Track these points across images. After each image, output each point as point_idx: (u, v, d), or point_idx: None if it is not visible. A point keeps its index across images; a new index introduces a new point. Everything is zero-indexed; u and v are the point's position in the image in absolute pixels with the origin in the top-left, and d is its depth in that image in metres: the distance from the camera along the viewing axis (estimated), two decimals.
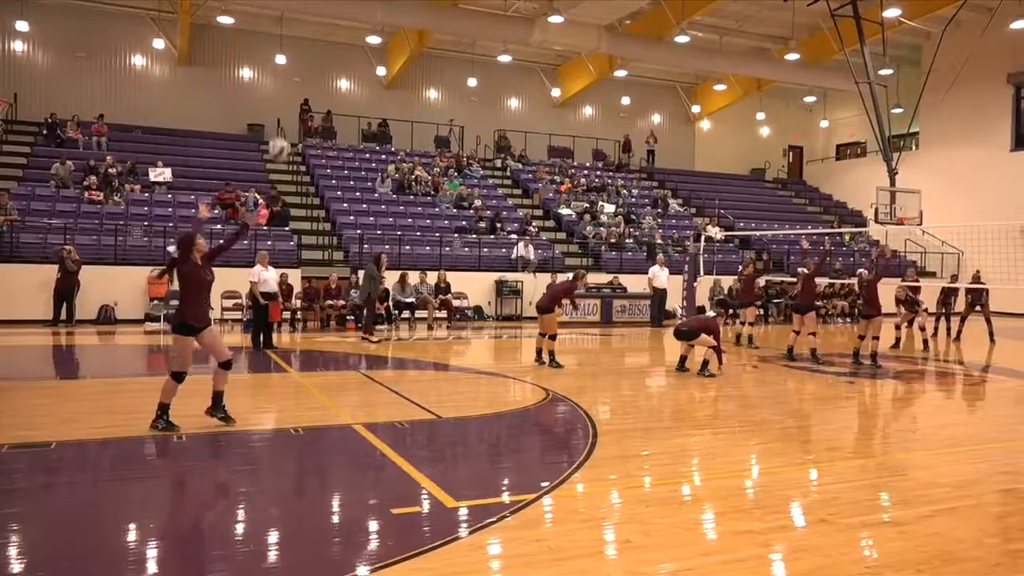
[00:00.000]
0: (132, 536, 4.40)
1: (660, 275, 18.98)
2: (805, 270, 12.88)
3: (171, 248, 5.95)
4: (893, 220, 24.26)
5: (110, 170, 20.06)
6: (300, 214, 21.53)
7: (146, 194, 20.01)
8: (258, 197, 20.29)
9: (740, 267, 16.29)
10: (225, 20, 23.62)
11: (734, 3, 24.52)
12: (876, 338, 11.97)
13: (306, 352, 13.42)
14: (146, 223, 18.20)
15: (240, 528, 4.59)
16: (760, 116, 32.83)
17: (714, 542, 4.46)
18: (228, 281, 16.90)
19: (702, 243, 19.73)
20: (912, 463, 6.40)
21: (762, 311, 21.65)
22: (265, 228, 19.24)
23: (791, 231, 25.91)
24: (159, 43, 24.50)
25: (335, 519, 4.83)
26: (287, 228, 19.80)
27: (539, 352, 11.54)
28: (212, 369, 7.19)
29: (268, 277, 12.98)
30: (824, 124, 34.44)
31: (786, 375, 11.31)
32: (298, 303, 17.07)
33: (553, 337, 11.38)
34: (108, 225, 17.67)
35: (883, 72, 26.46)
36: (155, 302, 16.52)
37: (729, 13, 25.87)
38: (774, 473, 5.94)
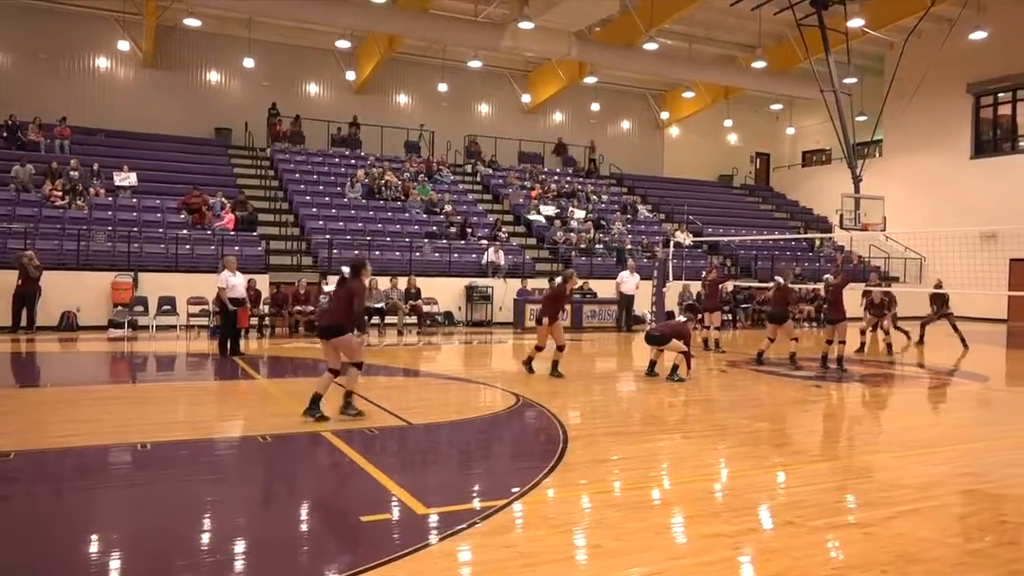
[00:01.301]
0: (94, 548, 4.31)
1: (628, 281, 19.08)
2: (781, 279, 12.93)
3: (346, 268, 7.63)
4: (857, 226, 24.65)
5: (72, 173, 19.70)
6: (268, 219, 21.32)
7: (110, 198, 19.67)
8: (225, 202, 20.06)
9: (704, 273, 16.42)
10: (192, 23, 23.33)
11: (702, 12, 24.79)
12: (843, 342, 12.15)
13: (274, 358, 13.29)
14: (110, 228, 17.89)
15: (206, 538, 4.52)
16: (728, 123, 33.22)
17: (683, 545, 4.48)
18: (195, 287, 16.76)
19: (671, 249, 19.89)
20: (877, 465, 6.49)
21: (730, 316, 21.90)
22: (233, 233, 19.02)
23: (759, 236, 26.23)
24: (124, 45, 24.13)
25: (303, 527, 4.78)
26: (255, 233, 19.60)
27: (530, 361, 11.03)
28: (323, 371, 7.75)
29: (236, 283, 12.82)
30: (790, 131, 34.94)
31: (754, 379, 11.43)
32: (266, 309, 16.89)
33: (561, 348, 10.88)
34: (71, 230, 17.34)
35: (847, 81, 26.90)
36: (119, 308, 16.24)
37: (697, 21, 26.15)
38: (742, 476, 6.00)
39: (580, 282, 20.82)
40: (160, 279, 16.95)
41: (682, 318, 11.66)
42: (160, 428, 7.21)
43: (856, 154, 26.75)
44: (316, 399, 7.48)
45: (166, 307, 16.61)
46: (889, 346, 15.30)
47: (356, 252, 16.35)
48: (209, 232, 18.78)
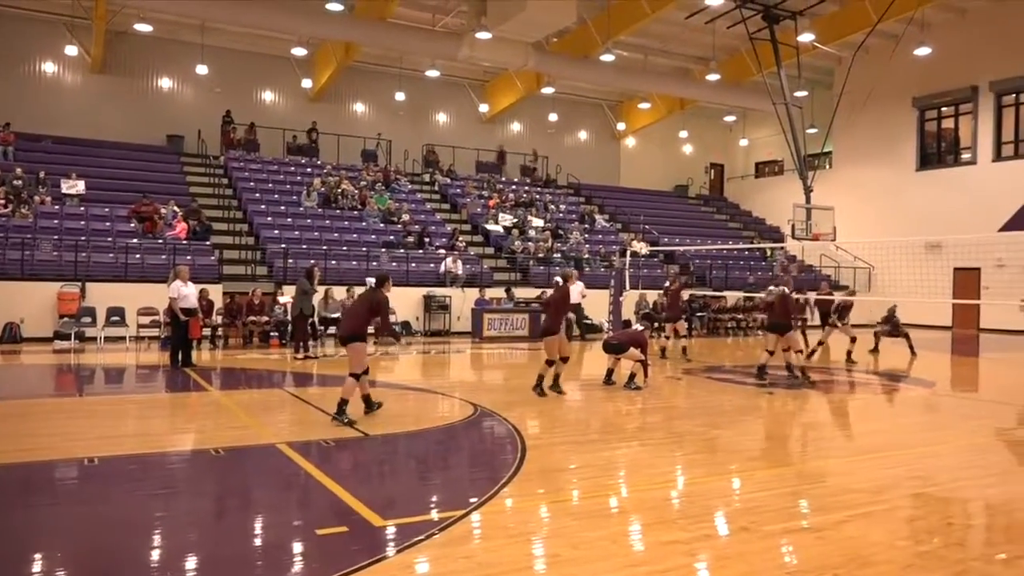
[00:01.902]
0: (38, 568, 4.17)
1: (572, 290, 19.10)
2: (785, 288, 12.28)
3: (371, 280, 8.54)
4: (809, 236, 25.19)
5: (16, 181, 19.14)
6: (222, 228, 20.96)
7: (56, 206, 19.15)
8: (177, 210, 19.68)
9: (667, 282, 16.53)
10: (143, 28, 22.90)
11: (657, 25, 25.14)
12: (787, 351, 12.33)
13: (227, 370, 13.04)
14: (56, 236, 17.41)
15: (156, 555, 4.40)
16: (683, 134, 33.71)
17: (641, 553, 4.50)
18: (145, 297, 16.37)
19: (628, 258, 20.06)
20: (829, 470, 6.62)
21: (686, 324, 22.15)
22: (185, 242, 18.67)
23: (713, 246, 26.62)
24: (72, 50, 23.54)
25: (257, 542, 4.69)
26: (208, 242, 19.25)
27: (540, 380, 10.04)
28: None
29: (188, 293, 12.57)
30: (743, 143, 35.59)
31: (709, 387, 11.57)
32: (219, 319, 16.59)
33: (565, 359, 10.19)
34: (15, 238, 16.83)
35: (798, 94, 27.55)
36: (65, 319, 15.79)
37: (652, 34, 26.52)
38: (698, 483, 6.05)
39: (539, 291, 20.88)
40: (109, 289, 16.53)
41: (639, 326, 11.61)
42: (108, 442, 7.02)
43: (807, 165, 27.38)
44: (343, 404, 7.94)
45: (115, 318, 16.20)
46: (849, 353, 15.25)
47: (312, 262, 16.13)
48: (160, 241, 18.40)
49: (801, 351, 12.21)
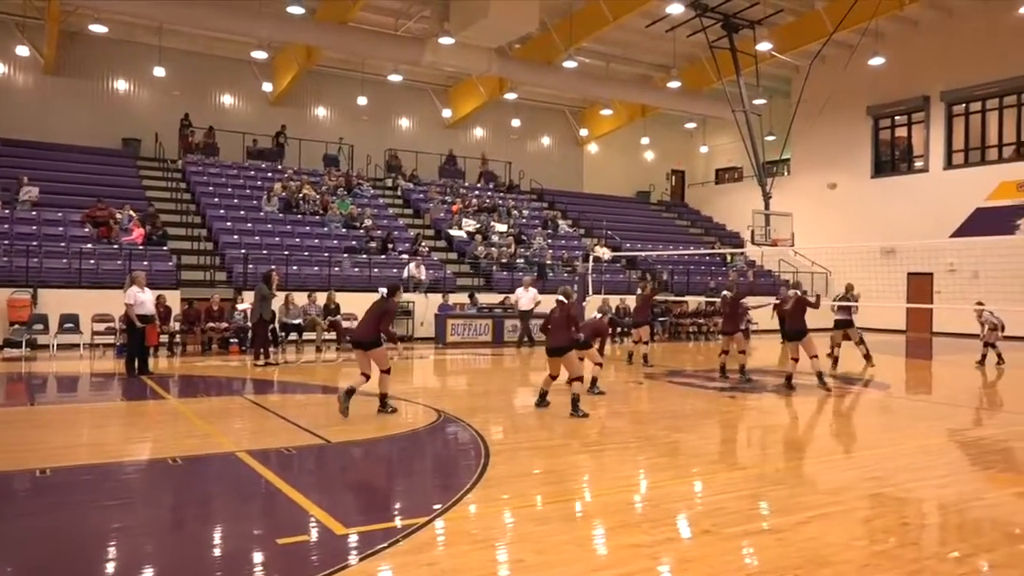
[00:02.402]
0: None
1: (524, 297, 19.17)
2: (797, 291, 11.96)
3: (383, 289, 9.19)
4: (768, 241, 25.63)
5: None
6: (180, 233, 20.59)
7: (7, 211, 18.65)
8: (133, 215, 19.30)
9: (639, 288, 16.54)
10: (98, 29, 22.43)
11: (619, 32, 25.38)
12: (743, 352, 12.65)
13: (186, 377, 12.81)
14: (7, 241, 16.95)
15: (111, 567, 4.30)
16: (645, 141, 34.04)
17: (605, 557, 4.52)
18: (100, 303, 16.02)
19: (590, 263, 20.17)
20: (788, 472, 6.72)
21: (651, 329, 22.34)
22: (141, 248, 18.31)
23: (675, 251, 26.90)
24: (23, 50, 22.98)
25: (216, 552, 4.60)
26: (165, 248, 18.90)
27: (544, 395, 9.51)
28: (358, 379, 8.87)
29: (144, 299, 12.32)
30: (704, 150, 36.05)
31: (671, 391, 11.67)
32: (177, 326, 16.30)
33: (581, 379, 9.37)
34: None
35: (757, 102, 28.04)
36: (15, 326, 15.37)
37: (614, 41, 26.76)
38: (661, 487, 6.10)
39: (500, 297, 20.90)
40: (62, 296, 16.13)
41: (598, 314, 11.18)
42: (61, 452, 6.84)
43: (766, 172, 27.86)
44: (351, 391, 8.64)
45: (68, 325, 15.82)
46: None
47: (272, 267, 15.93)
48: (116, 247, 18.02)
49: (820, 357, 11.59)
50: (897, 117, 28.43)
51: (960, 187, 25.43)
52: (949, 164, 26.69)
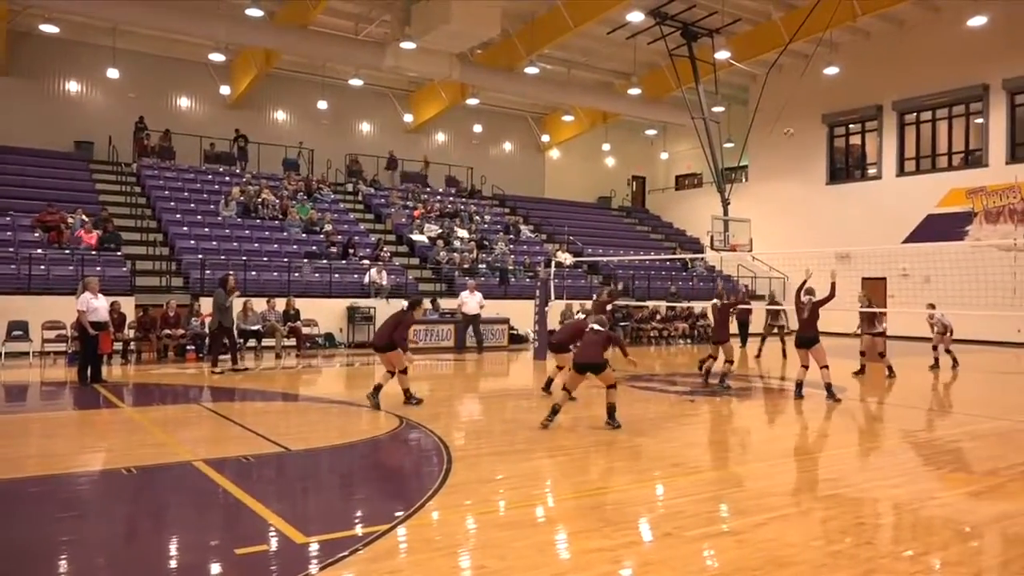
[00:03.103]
0: None
1: (469, 300, 19.07)
2: (812, 297, 11.49)
3: (405, 303, 10.71)
4: (727, 247, 26.00)
5: None
6: (134, 238, 20.17)
7: None
8: (85, 219, 18.85)
9: (595, 295, 16.46)
10: (49, 29, 21.90)
11: (580, 39, 25.57)
12: (730, 362, 12.61)
13: (141, 385, 12.54)
14: None
15: None
16: (606, 147, 34.30)
17: (567, 561, 4.52)
18: (51, 310, 15.62)
19: (553, 268, 20.23)
20: (747, 475, 6.80)
21: None
22: (95, 253, 17.90)
23: (636, 257, 27.14)
24: None
25: (172, 564, 4.50)
26: (120, 253, 18.49)
27: (555, 412, 8.69)
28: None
29: (98, 305, 12.02)
30: (664, 156, 36.45)
31: (632, 396, 11.74)
32: (132, 333, 15.95)
33: (614, 386, 8.83)
34: None
35: (716, 109, 28.47)
36: None
37: (576, 48, 26.95)
38: (623, 491, 6.13)
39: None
40: (10, 302, 15.67)
41: (581, 315, 10.88)
42: (8, 464, 6.64)
43: (724, 179, 28.29)
44: (378, 388, 9.89)
45: (17, 332, 15.39)
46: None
47: (230, 273, 15.66)
48: (68, 252, 17.58)
49: (827, 366, 11.16)
50: (851, 125, 29.07)
51: (912, 194, 26.08)
52: (901, 171, 27.36)
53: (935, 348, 15.89)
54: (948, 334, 15.89)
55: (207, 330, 15.17)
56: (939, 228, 24.52)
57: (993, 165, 24.60)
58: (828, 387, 10.99)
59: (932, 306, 16.28)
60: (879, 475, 6.82)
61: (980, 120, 25.25)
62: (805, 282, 11.71)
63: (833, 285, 11.35)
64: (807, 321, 11.19)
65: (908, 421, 9.95)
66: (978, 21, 22.06)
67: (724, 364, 12.53)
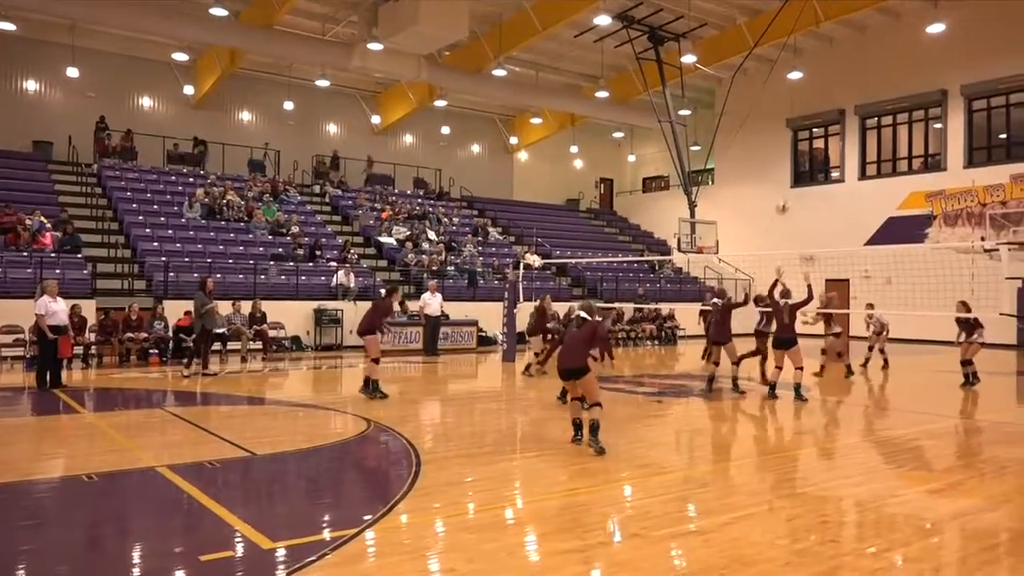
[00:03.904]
0: None
1: (432, 302, 18.93)
2: (788, 301, 11.45)
3: (383, 291, 11.60)
4: (693, 249, 26.23)
5: None
6: (95, 240, 19.79)
7: None
8: (43, 221, 18.44)
9: (538, 300, 15.52)
10: (5, 26, 21.37)
11: (548, 42, 25.64)
12: (716, 364, 12.11)
13: (102, 390, 12.30)
14: None
15: None
16: (574, 149, 34.43)
17: (536, 563, 4.53)
18: (8, 314, 15.26)
19: (521, 270, 20.25)
20: (714, 474, 6.87)
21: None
22: (54, 255, 17.52)
23: (604, 259, 27.27)
24: None
25: (135, 571, 4.42)
26: (80, 255, 18.13)
27: (578, 427, 7.95)
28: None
29: (56, 309, 11.77)
30: (631, 159, 36.70)
31: (601, 397, 11.76)
32: (92, 337, 15.64)
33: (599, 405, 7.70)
34: None
35: (682, 112, 28.70)
36: None
37: (543, 51, 27.02)
38: (592, 492, 6.15)
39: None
40: None
41: (599, 317, 8.58)
42: None
43: (691, 181, 28.54)
44: (367, 381, 10.67)
45: None
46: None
47: (196, 275, 15.43)
48: (25, 254, 17.19)
49: (802, 367, 11.24)
50: (815, 129, 29.51)
51: (873, 197, 26.55)
52: (863, 175, 27.84)
53: (870, 348, 16.15)
54: (884, 333, 16.10)
55: (182, 334, 14.97)
56: (900, 230, 24.99)
57: (951, 169, 25.14)
58: (797, 388, 11.15)
59: (871, 306, 16.58)
60: (842, 473, 6.93)
61: (939, 125, 25.80)
62: (777, 282, 11.81)
63: (809, 287, 11.51)
64: (785, 324, 11.23)
65: (868, 420, 10.13)
66: (937, 28, 22.54)
67: (711, 366, 12.25)
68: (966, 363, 13.07)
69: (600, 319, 8.01)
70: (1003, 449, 7.90)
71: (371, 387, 10.73)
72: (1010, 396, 13.03)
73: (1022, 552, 4.77)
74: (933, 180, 25.46)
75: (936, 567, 4.48)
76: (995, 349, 19.07)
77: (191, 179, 24.36)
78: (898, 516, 5.54)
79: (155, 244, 19.70)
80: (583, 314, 7.84)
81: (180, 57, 24.00)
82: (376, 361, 10.79)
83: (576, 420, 7.94)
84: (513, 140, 34.23)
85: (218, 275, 18.57)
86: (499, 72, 25.21)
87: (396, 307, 11.75)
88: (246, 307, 17.47)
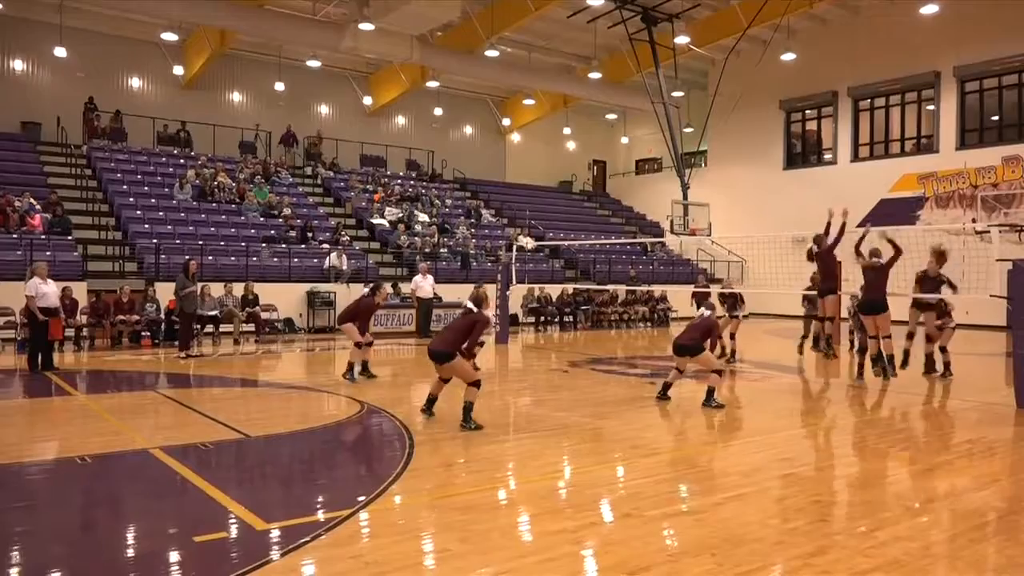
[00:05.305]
0: None
1: (423, 284, 18.90)
2: (879, 260, 10.51)
3: (366, 289, 11.13)
4: (686, 231, 26.26)
5: None
6: (86, 222, 19.68)
7: None
8: (33, 202, 18.31)
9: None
10: None
11: (541, 22, 25.47)
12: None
13: (94, 372, 12.28)
14: None
15: (15, 573, 4.09)
16: (567, 131, 34.32)
17: (529, 543, 4.56)
18: None
19: (514, 252, 20.23)
20: (705, 455, 6.92)
21: (571, 317, 22.70)
22: (44, 237, 17.42)
23: (597, 241, 27.28)
24: None
25: (129, 552, 4.43)
26: (70, 237, 18.03)
27: (431, 401, 8.32)
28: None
29: (47, 291, 11.71)
30: (624, 140, 36.59)
31: (594, 379, 11.85)
32: (84, 319, 15.59)
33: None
34: None
35: (675, 94, 28.62)
36: None
37: (536, 31, 26.85)
38: (584, 473, 6.19)
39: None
40: None
41: (705, 311, 8.87)
42: None
43: (684, 163, 28.52)
44: (364, 365, 10.82)
45: None
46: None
47: (187, 257, 15.37)
48: (15, 236, 17.08)
49: (890, 336, 10.50)
50: (807, 111, 29.49)
51: (866, 179, 26.58)
52: (856, 157, 27.86)
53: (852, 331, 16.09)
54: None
55: (174, 316, 14.97)
56: (892, 212, 25.04)
57: (944, 151, 25.19)
58: (887, 359, 10.41)
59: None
60: (833, 454, 6.99)
61: (932, 107, 25.80)
62: (863, 238, 10.94)
63: (893, 243, 10.61)
64: (875, 285, 10.21)
65: (858, 400, 10.20)
66: (930, 9, 22.48)
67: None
68: (943, 350, 12.06)
69: (487, 314, 8.10)
70: (991, 429, 7.97)
71: (353, 372, 10.70)
72: (999, 377, 13.12)
73: (1010, 531, 4.82)
74: (925, 162, 25.51)
75: (925, 545, 4.53)
76: (986, 330, 19.20)
77: (181, 160, 24.19)
78: (888, 496, 5.59)
79: (146, 226, 19.60)
80: (470, 304, 7.93)
81: (169, 37, 23.75)
82: (359, 345, 10.68)
83: (432, 395, 8.31)
84: (506, 121, 34.08)
85: (210, 257, 18.54)
86: (491, 53, 25.05)
87: (388, 290, 11.81)
88: (238, 289, 17.43)
